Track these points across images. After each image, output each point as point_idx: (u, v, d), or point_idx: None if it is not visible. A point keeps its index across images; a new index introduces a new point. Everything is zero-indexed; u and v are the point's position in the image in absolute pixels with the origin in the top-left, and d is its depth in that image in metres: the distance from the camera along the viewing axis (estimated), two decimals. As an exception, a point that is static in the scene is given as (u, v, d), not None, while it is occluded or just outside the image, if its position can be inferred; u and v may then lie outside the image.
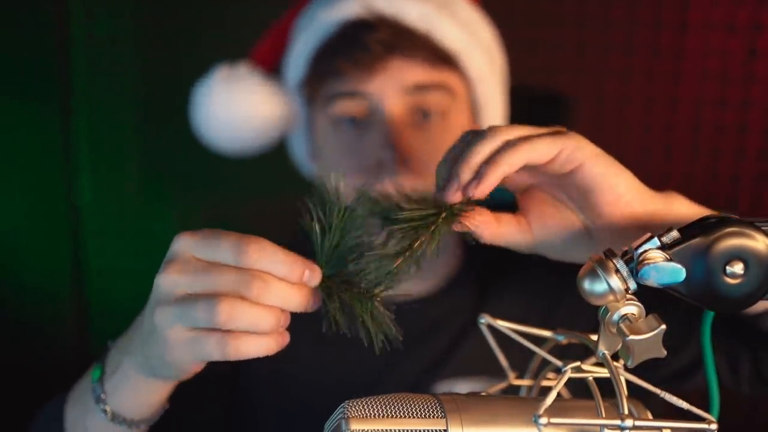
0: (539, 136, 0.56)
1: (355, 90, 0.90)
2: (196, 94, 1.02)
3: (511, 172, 0.55)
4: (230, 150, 1.03)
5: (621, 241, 0.57)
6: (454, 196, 0.56)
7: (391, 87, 0.90)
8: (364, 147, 0.91)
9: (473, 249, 0.73)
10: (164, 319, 0.54)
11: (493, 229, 0.59)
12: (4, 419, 1.37)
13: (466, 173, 0.56)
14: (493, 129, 0.57)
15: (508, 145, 0.55)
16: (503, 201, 0.63)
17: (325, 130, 0.95)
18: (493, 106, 0.98)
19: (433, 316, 0.97)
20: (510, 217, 0.61)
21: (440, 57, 0.91)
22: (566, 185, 0.59)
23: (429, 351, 0.94)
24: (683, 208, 0.59)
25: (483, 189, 0.55)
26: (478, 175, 0.55)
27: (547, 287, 0.95)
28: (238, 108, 0.99)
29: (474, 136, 0.58)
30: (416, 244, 0.56)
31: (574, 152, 0.56)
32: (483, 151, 0.56)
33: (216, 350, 0.53)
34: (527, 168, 0.57)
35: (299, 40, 0.96)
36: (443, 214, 0.57)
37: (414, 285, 0.99)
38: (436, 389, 0.92)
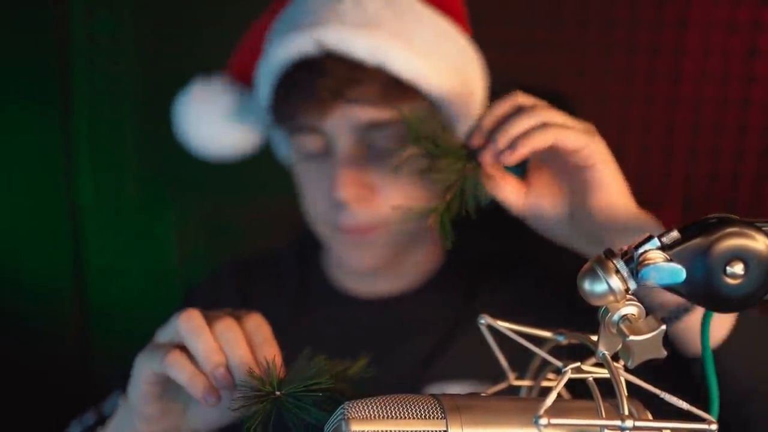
0: (572, 127, 0.67)
1: (313, 126, 0.88)
2: (176, 106, 1.02)
3: (538, 149, 0.67)
4: (215, 158, 1.04)
5: (592, 230, 0.71)
6: (487, 158, 0.68)
7: (343, 126, 0.86)
8: (324, 182, 0.89)
9: (454, 250, 0.76)
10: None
11: (507, 190, 0.73)
12: (4, 419, 1.37)
13: (503, 142, 0.67)
14: (536, 108, 0.68)
15: (544, 126, 0.66)
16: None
17: (294, 154, 0.95)
18: (463, 122, 0.91)
19: (412, 315, 0.96)
20: (513, 179, 0.74)
21: (394, 91, 0.85)
22: (573, 171, 0.70)
23: (411, 352, 0.93)
24: (645, 230, 0.56)
25: (513, 158, 0.67)
26: (513, 145, 0.67)
27: (535, 299, 0.92)
28: (217, 120, 0.99)
29: (497, 104, 0.72)
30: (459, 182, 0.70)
31: (594, 153, 0.67)
32: (522, 125, 0.67)
33: (159, 360, 0.63)
34: (551, 147, 0.67)
35: (261, 69, 0.93)
36: (471, 165, 0.70)
37: (391, 281, 0.99)
38: (424, 391, 0.90)
